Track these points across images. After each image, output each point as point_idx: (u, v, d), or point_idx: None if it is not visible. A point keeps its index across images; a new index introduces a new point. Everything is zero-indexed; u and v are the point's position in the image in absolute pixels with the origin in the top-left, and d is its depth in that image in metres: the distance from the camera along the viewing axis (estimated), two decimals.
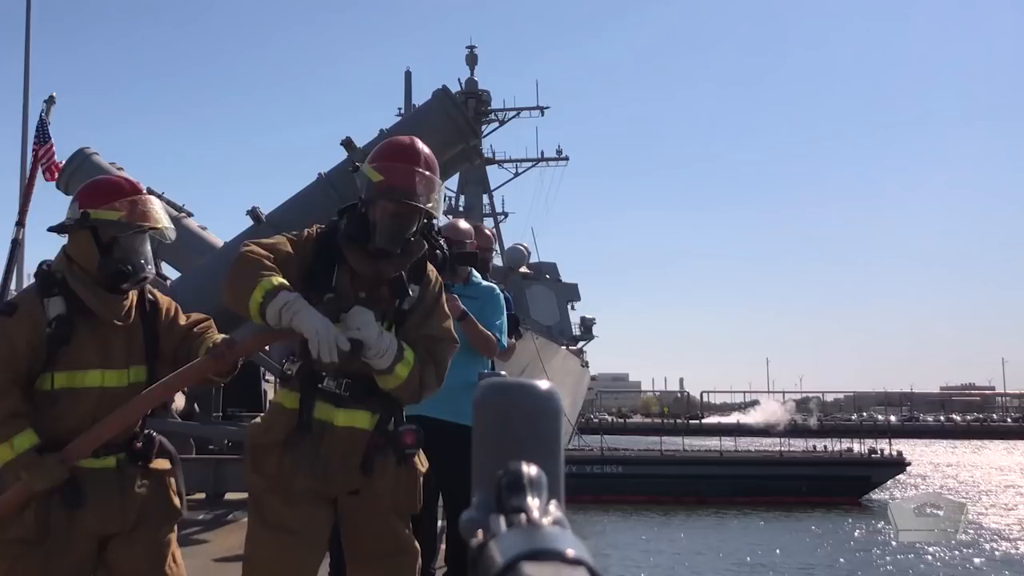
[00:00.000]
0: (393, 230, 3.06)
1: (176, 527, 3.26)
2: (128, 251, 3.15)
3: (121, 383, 3.11)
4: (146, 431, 3.21)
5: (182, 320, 3.29)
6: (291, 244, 3.11)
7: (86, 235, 3.14)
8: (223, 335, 3.16)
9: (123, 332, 3.15)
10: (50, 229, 3.27)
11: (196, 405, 9.21)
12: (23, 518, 2.95)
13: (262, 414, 3.38)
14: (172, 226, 3.26)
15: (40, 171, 9.34)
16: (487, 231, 5.73)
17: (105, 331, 3.12)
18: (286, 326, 2.88)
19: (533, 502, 0.76)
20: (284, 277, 2.94)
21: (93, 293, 3.11)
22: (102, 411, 3.03)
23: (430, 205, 3.08)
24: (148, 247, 3.22)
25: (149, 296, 3.27)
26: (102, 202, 3.15)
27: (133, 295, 3.23)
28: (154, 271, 3.27)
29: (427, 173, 3.09)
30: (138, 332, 3.19)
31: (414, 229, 3.12)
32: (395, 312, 3.13)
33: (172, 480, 3.23)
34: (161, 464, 3.21)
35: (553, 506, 0.78)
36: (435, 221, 4.16)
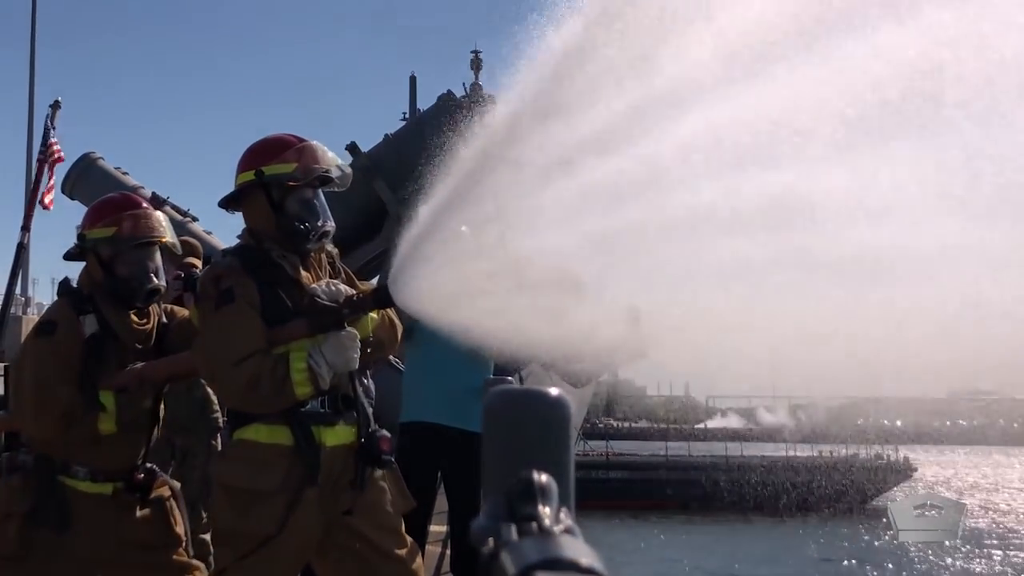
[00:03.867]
0: (321, 206, 2.97)
1: (184, 552, 3.13)
2: (132, 267, 3.05)
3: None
4: (148, 465, 3.12)
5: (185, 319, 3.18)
6: (247, 306, 2.84)
7: (92, 257, 3.10)
8: None
9: (139, 358, 3.08)
10: (65, 257, 3.22)
11: None
12: (4, 533, 2.90)
13: (228, 455, 2.98)
14: (175, 240, 3.16)
15: (41, 191, 9.27)
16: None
17: (124, 355, 3.06)
18: (340, 371, 2.83)
19: (544, 510, 0.76)
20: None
21: (116, 313, 3.06)
22: (113, 433, 3.00)
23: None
24: (156, 260, 3.10)
25: (163, 319, 3.18)
26: (96, 222, 3.10)
27: (155, 317, 3.15)
28: (163, 285, 3.13)
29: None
30: (153, 357, 3.11)
31: None
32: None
33: (172, 506, 3.14)
34: (161, 491, 3.13)
35: (564, 514, 0.78)
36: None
